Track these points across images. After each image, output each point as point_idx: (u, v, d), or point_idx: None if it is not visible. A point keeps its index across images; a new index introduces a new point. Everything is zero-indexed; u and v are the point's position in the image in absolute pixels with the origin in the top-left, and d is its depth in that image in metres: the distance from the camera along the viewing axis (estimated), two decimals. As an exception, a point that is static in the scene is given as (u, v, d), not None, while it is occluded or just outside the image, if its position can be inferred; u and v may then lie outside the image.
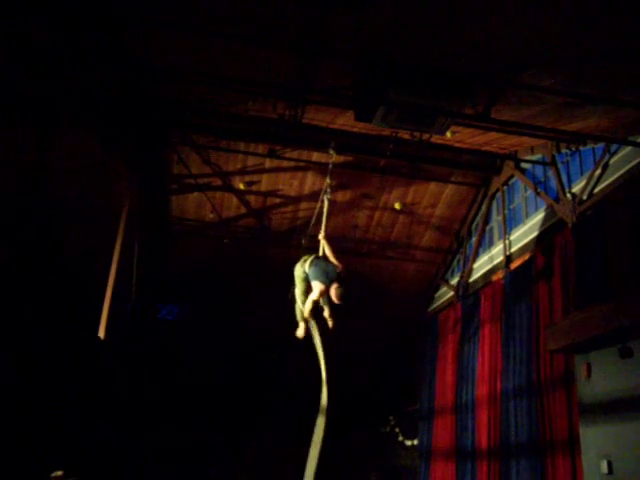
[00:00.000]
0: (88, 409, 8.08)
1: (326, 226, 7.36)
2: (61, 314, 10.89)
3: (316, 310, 6.64)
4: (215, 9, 6.42)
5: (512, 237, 11.17)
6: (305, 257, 6.81)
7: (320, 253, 7.13)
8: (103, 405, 8.79)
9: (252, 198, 12.33)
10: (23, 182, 11.09)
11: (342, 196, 11.94)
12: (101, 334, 8.87)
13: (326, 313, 6.71)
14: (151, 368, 13.08)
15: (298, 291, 6.70)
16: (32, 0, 6.39)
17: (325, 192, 7.61)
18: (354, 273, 11.80)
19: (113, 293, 9.22)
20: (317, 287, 6.34)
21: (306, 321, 6.66)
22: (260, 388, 15.88)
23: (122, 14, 6.71)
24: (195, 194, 12.10)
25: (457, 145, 10.42)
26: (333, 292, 6.32)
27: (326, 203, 7.47)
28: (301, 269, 6.66)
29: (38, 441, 6.88)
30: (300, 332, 6.79)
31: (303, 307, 6.61)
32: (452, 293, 13.44)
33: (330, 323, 6.65)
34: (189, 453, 15.30)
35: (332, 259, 6.84)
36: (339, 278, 6.44)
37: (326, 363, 6.45)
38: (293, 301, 6.94)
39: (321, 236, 7.14)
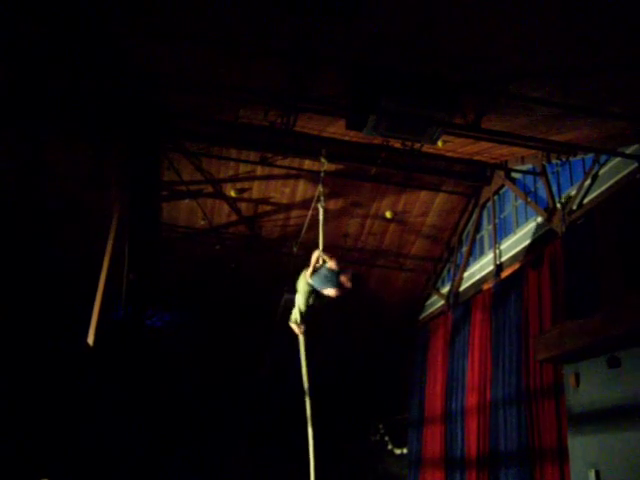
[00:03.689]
0: (74, 417, 8.01)
1: (324, 235, 7.24)
2: (49, 319, 10.82)
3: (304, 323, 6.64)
4: (208, 18, 6.44)
5: (502, 246, 11.22)
6: (304, 271, 6.82)
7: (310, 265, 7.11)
8: (89, 413, 8.72)
9: (243, 205, 12.31)
10: (15, 186, 11.05)
11: (333, 204, 11.94)
12: (90, 340, 8.81)
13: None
14: (140, 375, 12.97)
15: (302, 299, 6.71)
16: (28, 4, 6.39)
17: (318, 200, 7.53)
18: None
19: (103, 299, 9.16)
20: (332, 292, 6.37)
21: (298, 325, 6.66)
22: (248, 394, 15.82)
23: (116, 21, 6.73)
24: (186, 201, 12.06)
25: (448, 154, 10.46)
26: (344, 279, 6.30)
27: (321, 211, 7.35)
28: (305, 281, 6.68)
29: (23, 450, 6.82)
30: (298, 330, 6.72)
31: (298, 315, 6.64)
32: (443, 302, 13.46)
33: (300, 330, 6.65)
34: (173, 462, 15.17)
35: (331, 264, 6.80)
36: (339, 274, 6.46)
37: (308, 375, 6.50)
38: (285, 307, 6.91)
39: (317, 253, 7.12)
